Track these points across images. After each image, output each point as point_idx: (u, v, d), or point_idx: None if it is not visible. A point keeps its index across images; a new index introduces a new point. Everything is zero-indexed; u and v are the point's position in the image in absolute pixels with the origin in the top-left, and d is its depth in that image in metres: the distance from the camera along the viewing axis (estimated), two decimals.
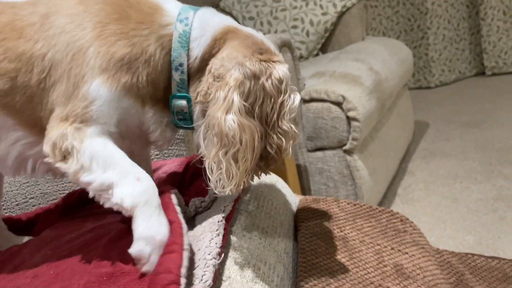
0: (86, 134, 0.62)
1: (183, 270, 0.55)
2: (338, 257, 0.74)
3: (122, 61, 0.63)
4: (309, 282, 0.67)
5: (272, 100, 0.64)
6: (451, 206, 1.76)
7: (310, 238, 0.78)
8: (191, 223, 0.71)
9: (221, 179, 0.61)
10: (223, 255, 0.62)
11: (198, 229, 0.67)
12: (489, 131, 2.34)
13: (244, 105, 0.61)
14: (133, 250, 0.59)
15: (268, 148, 0.64)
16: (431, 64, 3.18)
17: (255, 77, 0.63)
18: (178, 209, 0.65)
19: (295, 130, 0.65)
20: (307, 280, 0.67)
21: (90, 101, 0.62)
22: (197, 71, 0.67)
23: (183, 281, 0.54)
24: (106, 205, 0.62)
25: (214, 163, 0.61)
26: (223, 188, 0.62)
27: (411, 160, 2.21)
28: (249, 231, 0.71)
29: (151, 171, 0.82)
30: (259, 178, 0.68)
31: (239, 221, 0.72)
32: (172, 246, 0.58)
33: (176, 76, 0.66)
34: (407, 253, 0.80)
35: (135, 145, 0.71)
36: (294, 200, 0.97)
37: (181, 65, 0.65)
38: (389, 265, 0.75)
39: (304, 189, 1.68)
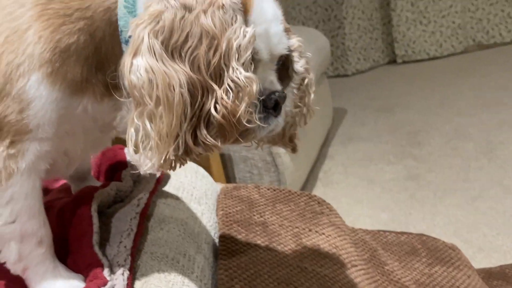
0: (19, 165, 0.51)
1: None
2: (258, 242, 0.75)
3: (68, 51, 0.50)
4: (228, 270, 0.67)
5: (214, 40, 0.47)
6: (367, 187, 1.87)
7: (230, 225, 0.78)
8: (110, 212, 0.68)
9: (142, 148, 0.48)
10: (138, 253, 0.60)
11: (112, 229, 0.64)
12: (400, 115, 2.51)
13: (163, 44, 0.46)
14: None
15: (212, 111, 0.47)
16: (348, 53, 3.32)
17: (186, 8, 0.47)
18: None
19: (252, 78, 0.48)
20: (226, 267, 0.67)
21: (27, 103, 0.49)
22: None
23: None
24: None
25: (132, 128, 0.48)
26: (145, 163, 0.48)
27: (330, 145, 2.30)
28: (167, 223, 0.69)
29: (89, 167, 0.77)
30: (196, 157, 0.50)
31: (156, 214, 0.70)
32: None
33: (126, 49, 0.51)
34: (323, 233, 0.83)
35: (80, 143, 0.58)
36: (216, 188, 0.96)
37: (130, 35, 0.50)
38: (307, 246, 0.78)
39: (229, 178, 1.69)
